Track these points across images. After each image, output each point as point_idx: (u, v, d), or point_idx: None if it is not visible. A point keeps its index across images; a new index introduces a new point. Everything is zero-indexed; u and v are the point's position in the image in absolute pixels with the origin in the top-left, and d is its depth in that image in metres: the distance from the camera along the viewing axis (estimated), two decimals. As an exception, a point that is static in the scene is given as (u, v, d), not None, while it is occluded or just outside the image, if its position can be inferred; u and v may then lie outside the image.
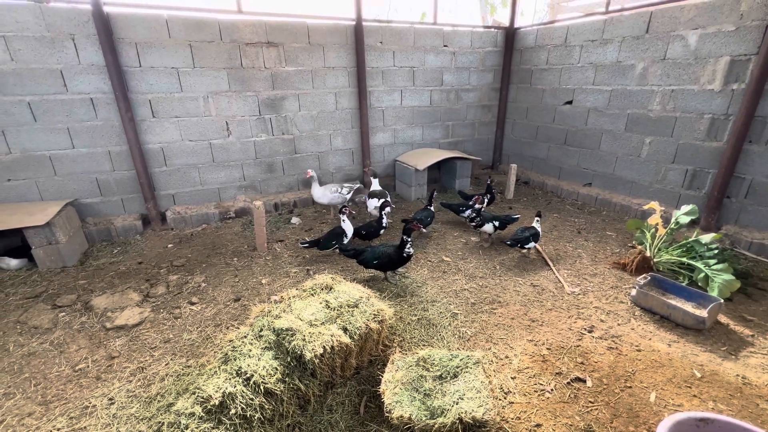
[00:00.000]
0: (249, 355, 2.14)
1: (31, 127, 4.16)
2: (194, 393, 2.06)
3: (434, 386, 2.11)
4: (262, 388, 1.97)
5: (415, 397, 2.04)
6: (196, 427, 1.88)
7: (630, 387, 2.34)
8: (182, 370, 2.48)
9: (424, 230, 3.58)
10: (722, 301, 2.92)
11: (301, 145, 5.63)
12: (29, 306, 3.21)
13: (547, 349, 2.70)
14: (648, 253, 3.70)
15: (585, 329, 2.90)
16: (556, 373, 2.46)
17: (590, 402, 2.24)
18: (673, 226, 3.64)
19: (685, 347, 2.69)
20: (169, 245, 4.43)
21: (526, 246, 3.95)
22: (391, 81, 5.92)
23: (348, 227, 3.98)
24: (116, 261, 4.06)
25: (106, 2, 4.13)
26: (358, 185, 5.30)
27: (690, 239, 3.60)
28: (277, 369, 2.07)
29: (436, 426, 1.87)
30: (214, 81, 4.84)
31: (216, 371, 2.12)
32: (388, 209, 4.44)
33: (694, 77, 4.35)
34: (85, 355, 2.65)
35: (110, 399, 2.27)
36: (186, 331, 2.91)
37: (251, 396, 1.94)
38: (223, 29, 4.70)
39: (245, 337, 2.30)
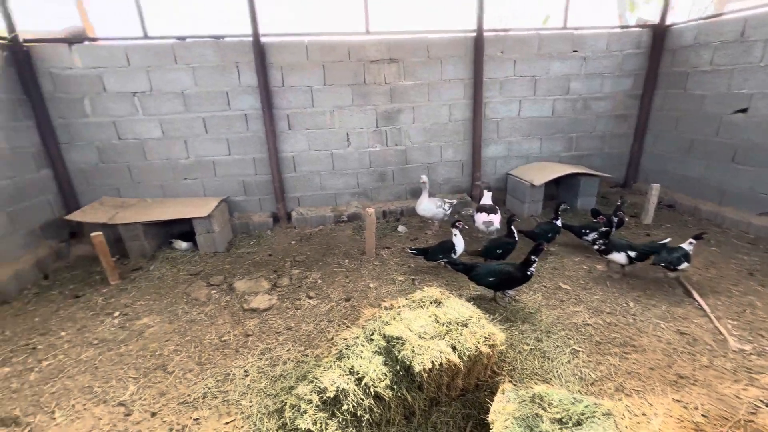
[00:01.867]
0: (361, 356, 2.25)
1: (203, 137, 5.20)
2: (312, 382, 2.26)
3: (552, 429, 1.89)
4: (372, 390, 2.04)
5: (529, 437, 1.86)
6: (313, 414, 2.05)
7: (841, 496, 1.73)
8: (301, 357, 2.75)
9: (545, 249, 3.31)
10: None
11: (412, 156, 5.79)
12: (192, 281, 3.98)
13: (702, 416, 2.18)
14: None
15: (761, 401, 2.25)
16: (717, 450, 1.97)
17: (772, 501, 1.72)
18: None
19: None
20: (293, 242, 5.01)
21: (679, 267, 3.36)
22: (509, 91, 5.66)
23: (459, 242, 3.86)
24: (252, 252, 4.76)
25: (263, 34, 4.92)
26: (455, 201, 5.13)
27: None
28: (386, 375, 2.12)
29: (555, 476, 1.67)
30: (340, 97, 5.32)
31: (331, 366, 2.28)
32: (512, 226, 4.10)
33: None
34: (228, 329, 3.16)
35: (245, 371, 2.64)
36: (304, 322, 3.22)
37: (362, 396, 2.03)
38: (351, 49, 5.15)
39: (357, 338, 2.43)
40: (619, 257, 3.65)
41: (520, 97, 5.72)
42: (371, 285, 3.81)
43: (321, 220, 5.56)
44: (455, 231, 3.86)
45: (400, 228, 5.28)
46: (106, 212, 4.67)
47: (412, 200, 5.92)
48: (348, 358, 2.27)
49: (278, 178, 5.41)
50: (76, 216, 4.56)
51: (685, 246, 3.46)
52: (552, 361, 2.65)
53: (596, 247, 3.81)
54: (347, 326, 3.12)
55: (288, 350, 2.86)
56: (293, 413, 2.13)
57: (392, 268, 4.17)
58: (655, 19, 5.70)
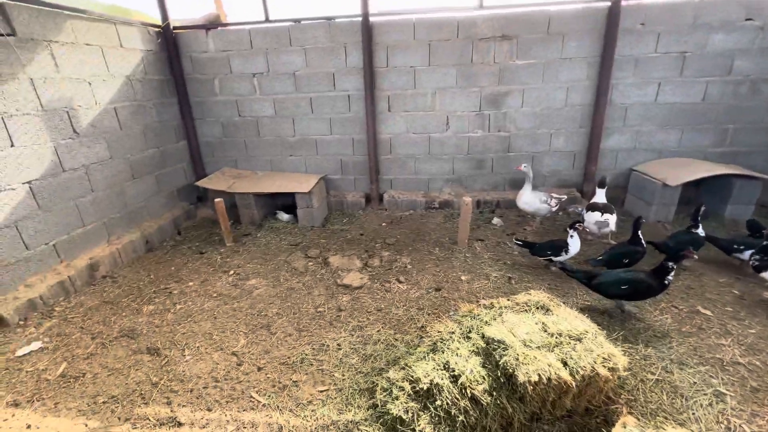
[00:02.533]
0: (457, 354, 2.13)
1: (309, 117, 5.48)
2: (404, 369, 2.23)
3: (694, 488, 1.55)
4: (468, 392, 1.92)
5: (660, 488, 1.55)
6: (405, 402, 2.01)
7: None
8: (391, 340, 2.75)
9: (695, 257, 2.77)
10: None
11: (516, 144, 5.31)
12: (292, 251, 4.29)
13: None
14: None
15: None
16: None
17: None
18: None
19: None
20: (383, 224, 5.05)
21: None
22: (646, 71, 4.76)
23: (575, 244, 3.46)
24: (345, 229, 4.93)
25: (372, 13, 4.89)
26: (564, 197, 4.56)
27: None
28: (484, 378, 1.97)
29: None
30: (443, 77, 5.08)
31: (424, 357, 2.21)
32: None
33: None
34: (323, 301, 3.31)
35: (338, 345, 2.74)
36: (394, 306, 3.22)
37: (457, 395, 1.92)
38: (461, 26, 4.83)
39: (453, 333, 2.32)
40: (742, 256, 2.95)
41: (660, 78, 4.77)
42: (463, 277, 3.63)
43: (412, 205, 5.50)
44: (572, 232, 3.45)
45: (495, 220, 4.94)
46: (226, 181, 5.28)
47: (510, 191, 5.48)
48: (443, 352, 2.18)
49: (374, 159, 5.47)
50: (203, 183, 5.24)
51: None
52: (687, 400, 2.19)
53: (751, 262, 3.05)
54: (437, 317, 3.02)
55: (378, 331, 2.88)
56: (385, 396, 2.12)
57: (486, 262, 3.92)
58: None
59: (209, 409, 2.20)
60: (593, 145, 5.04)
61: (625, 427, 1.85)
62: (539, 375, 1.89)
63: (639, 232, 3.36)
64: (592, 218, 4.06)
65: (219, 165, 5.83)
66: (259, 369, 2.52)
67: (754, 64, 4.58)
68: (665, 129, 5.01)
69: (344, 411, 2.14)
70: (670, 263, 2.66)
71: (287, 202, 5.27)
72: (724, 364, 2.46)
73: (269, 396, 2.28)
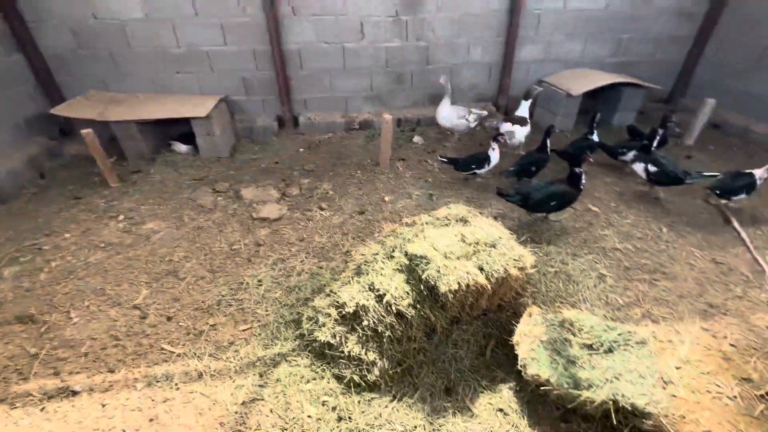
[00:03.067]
0: (381, 273, 2.11)
1: (193, 21, 4.42)
2: (329, 295, 2.17)
3: (581, 355, 1.83)
4: (393, 308, 1.94)
5: (555, 360, 1.81)
6: (332, 327, 1.99)
7: None
8: (315, 269, 2.65)
9: (591, 160, 3.08)
10: None
11: (435, 55, 5.03)
12: (196, 186, 3.76)
13: (731, 345, 2.12)
14: None
15: (794, 334, 2.18)
16: (743, 379, 1.94)
17: (795, 429, 1.72)
18: None
19: None
20: (300, 149, 4.65)
21: (734, 198, 3.19)
22: (559, -27, 4.64)
23: (495, 156, 3.59)
24: (257, 158, 4.44)
25: None
26: (485, 112, 4.59)
27: None
28: (408, 294, 2.00)
29: (581, 399, 1.63)
30: (354, -27, 4.38)
31: (349, 281, 2.17)
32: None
33: None
34: (238, 237, 3.03)
35: (259, 280, 2.57)
36: (317, 234, 3.08)
37: (383, 313, 1.94)
38: None
39: (376, 254, 2.27)
40: (637, 168, 3.48)
41: (570, -18, 4.71)
42: (386, 198, 3.58)
43: (330, 127, 5.10)
44: (494, 145, 3.56)
45: (416, 138, 4.86)
46: (95, 107, 4.22)
47: (430, 108, 5.35)
48: (367, 274, 2.14)
49: (283, 75, 4.78)
50: (61, 110, 4.12)
51: (759, 173, 3.13)
52: (577, 284, 2.54)
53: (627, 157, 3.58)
54: (362, 240, 2.98)
55: (301, 261, 2.76)
56: (311, 325, 2.08)
57: (408, 181, 3.90)
58: None
59: (111, 371, 1.95)
60: (508, 56, 5.00)
61: (531, 316, 2.08)
62: (458, 283, 1.97)
63: (548, 140, 3.55)
64: (503, 128, 4.18)
65: (83, 87, 4.60)
66: (169, 319, 2.27)
67: (651, -31, 4.72)
68: (572, 39, 5.13)
69: (270, 345, 2.07)
70: (578, 169, 2.86)
71: (184, 130, 4.48)
72: (606, 251, 2.87)
73: (184, 345, 2.09)
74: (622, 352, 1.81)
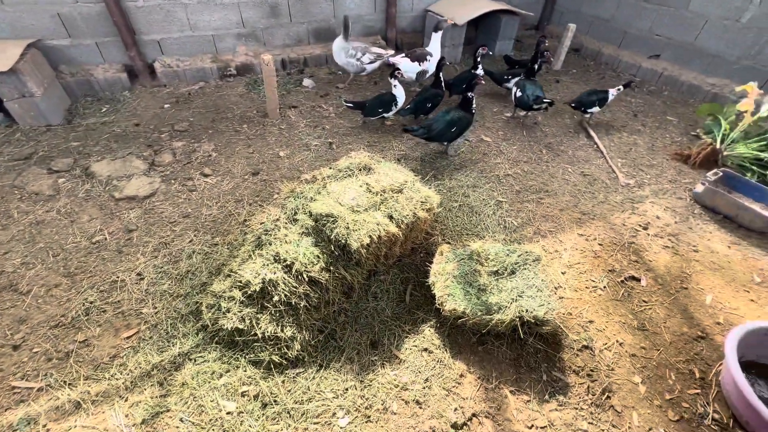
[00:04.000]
0: (286, 241, 1.90)
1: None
2: (230, 276, 1.90)
3: (489, 282, 1.96)
4: (305, 276, 1.78)
5: (468, 292, 1.90)
6: (239, 311, 1.76)
7: (686, 288, 2.24)
8: (209, 248, 2.30)
9: (482, 81, 3.30)
10: (799, 203, 2.64)
11: (312, -19, 4.40)
12: (22, 169, 2.85)
13: (599, 244, 2.51)
14: (718, 145, 3.24)
15: (640, 225, 2.67)
16: (609, 270, 2.33)
17: (644, 301, 2.15)
18: (763, 114, 3.08)
19: (746, 250, 2.51)
20: (166, 105, 3.83)
21: (589, 110, 3.67)
22: None
23: (400, 93, 3.40)
24: (108, 121, 3.53)
25: None
26: (386, 53, 4.20)
27: (780, 131, 3.10)
28: (319, 257, 1.85)
29: (494, 321, 1.76)
30: None
31: (251, 255, 1.91)
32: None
33: None
34: (99, 226, 2.43)
35: (138, 274, 2.13)
36: (205, 206, 2.64)
37: (294, 284, 1.77)
38: None
39: (277, 220, 2.03)
40: (511, 84, 3.90)
41: None
42: (281, 153, 3.22)
43: (200, 75, 4.27)
44: (394, 82, 3.36)
45: (306, 81, 4.39)
46: None
47: (317, 45, 4.83)
48: (270, 244, 1.91)
49: (117, 7, 3.69)
50: None
51: (612, 92, 3.61)
52: (479, 214, 2.68)
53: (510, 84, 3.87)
54: (261, 205, 2.66)
55: (190, 241, 2.36)
56: (213, 313, 1.81)
57: (303, 131, 3.55)
58: None
59: (-65, 436, 1.45)
60: (391, -19, 4.64)
61: (442, 254, 2.14)
62: (370, 236, 1.88)
63: (441, 74, 3.49)
64: (428, 68, 4.06)
65: None
66: (16, 348, 1.75)
67: None
68: (452, -38, 4.95)
69: (166, 347, 1.76)
70: (470, 93, 2.98)
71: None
72: (500, 178, 3.07)
73: (45, 375, 1.65)
74: (522, 272, 1.98)
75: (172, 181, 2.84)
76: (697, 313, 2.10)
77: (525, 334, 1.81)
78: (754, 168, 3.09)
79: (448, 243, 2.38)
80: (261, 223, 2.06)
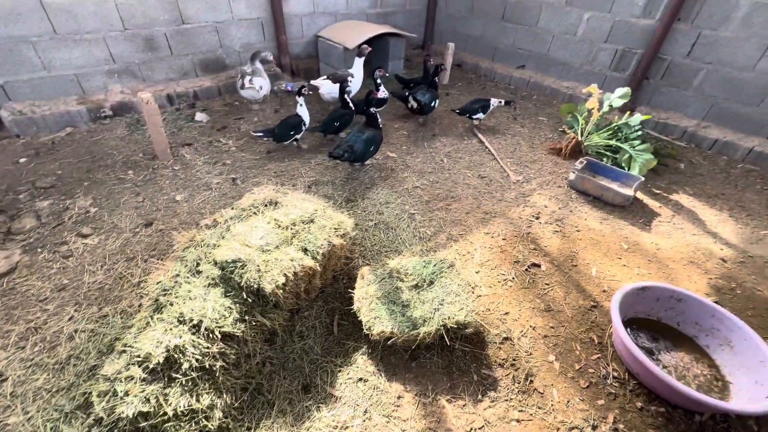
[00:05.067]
0: (189, 297, 1.71)
1: None
2: (124, 351, 1.64)
3: (411, 296, 2.01)
4: (218, 333, 1.62)
5: (393, 311, 1.92)
6: (140, 391, 1.52)
7: (575, 265, 2.57)
8: (96, 323, 1.96)
9: (378, 95, 3.60)
10: (642, 178, 3.24)
11: (190, 11, 4.17)
12: None
13: (503, 239, 2.76)
14: (579, 138, 3.85)
15: (533, 216, 3.01)
16: (514, 262, 2.57)
17: (546, 284, 2.41)
18: (605, 109, 3.74)
19: (613, 223, 2.99)
20: (21, 160, 3.23)
21: (474, 117, 4.12)
22: None
23: (304, 112, 3.46)
24: (-62, 187, 2.85)
25: None
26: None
27: (620, 122, 3.78)
28: (231, 309, 1.70)
29: (421, 335, 1.80)
30: None
31: (149, 322, 1.68)
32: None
33: (644, -61, 4.01)
34: (-67, 324, 1.91)
35: (-1, 375, 1.72)
36: (87, 273, 2.26)
37: (206, 344, 1.60)
38: None
39: (177, 275, 1.83)
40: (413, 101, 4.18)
41: (316, -73, 4.57)
42: (178, 197, 2.93)
43: (66, 120, 3.71)
44: (300, 100, 3.42)
45: (199, 116, 4.11)
46: None
47: (205, 77, 4.57)
48: (171, 305, 1.70)
49: (-65, 51, 3.04)
50: None
51: (493, 101, 4.10)
52: (395, 229, 2.76)
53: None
54: (160, 259, 2.37)
55: (71, 319, 1.99)
56: (108, 401, 1.54)
57: (201, 169, 3.29)
58: None
59: None
60: (276, 9, 4.63)
61: (363, 277, 2.13)
62: (285, 275, 1.80)
63: (345, 96, 3.59)
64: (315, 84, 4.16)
65: None
66: None
67: None
68: (334, -10, 5.14)
69: (48, 459, 1.44)
70: (372, 109, 3.22)
71: None
72: (409, 191, 3.21)
73: None
74: (440, 280, 2.08)
75: (39, 250, 2.38)
76: (588, 285, 2.43)
77: (451, 340, 1.89)
78: (608, 154, 3.72)
79: (368, 264, 2.40)
80: (158, 282, 1.83)
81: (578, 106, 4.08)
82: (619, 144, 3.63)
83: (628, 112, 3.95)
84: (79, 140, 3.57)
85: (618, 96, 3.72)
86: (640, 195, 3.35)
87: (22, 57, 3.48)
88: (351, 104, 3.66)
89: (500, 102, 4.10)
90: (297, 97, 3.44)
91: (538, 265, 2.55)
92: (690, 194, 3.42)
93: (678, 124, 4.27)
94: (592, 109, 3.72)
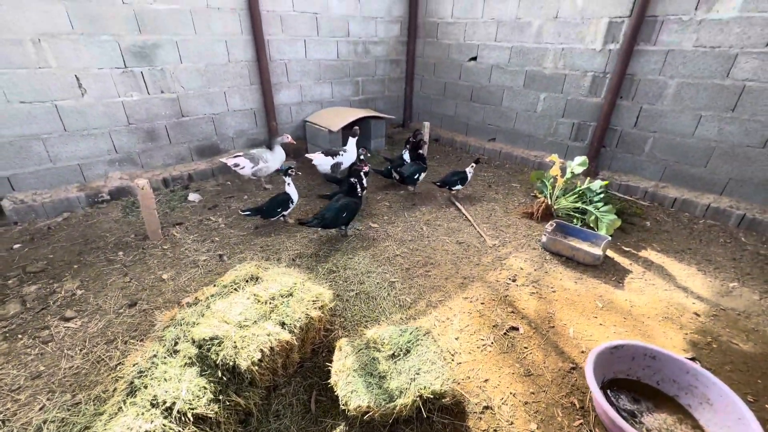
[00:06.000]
0: (165, 379, 1.73)
1: None
2: (93, 441, 1.61)
3: (388, 367, 2.02)
4: (190, 415, 1.61)
5: (370, 383, 1.93)
6: (105, 485, 1.47)
7: (553, 326, 2.62)
8: (68, 411, 1.92)
9: (366, 167, 3.86)
10: (610, 237, 3.43)
11: (189, 106, 4.67)
12: None
13: (481, 303, 2.83)
14: (549, 202, 4.12)
15: (509, 279, 3.12)
16: (493, 326, 2.61)
17: (525, 347, 2.44)
18: (569, 175, 4.08)
19: (587, 282, 3.10)
20: (15, 246, 3.36)
21: (453, 188, 4.42)
22: (293, 28, 5.19)
23: (293, 191, 3.72)
24: (-72, 277, 2.91)
25: None
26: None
27: (583, 187, 4.10)
28: (206, 388, 1.71)
29: (397, 408, 1.79)
30: (47, 17, 3.54)
31: (121, 407, 1.67)
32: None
33: (580, 36, 4.75)
34: None
35: (-44, 476, 1.64)
36: (65, 358, 2.26)
37: (178, 429, 1.58)
38: (47, -58, 3.38)
39: (155, 356, 1.86)
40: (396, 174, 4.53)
41: (304, 36, 5.34)
42: (165, 276, 3.02)
43: (64, 205, 3.92)
44: (288, 179, 3.69)
45: (192, 196, 4.36)
46: None
47: (200, 161, 4.94)
48: (146, 387, 1.71)
49: (-48, 151, 3.34)
50: None
51: (468, 170, 4.45)
52: (376, 299, 2.83)
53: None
54: (141, 340, 2.38)
55: (41, 408, 1.94)
56: (69, 499, 1.47)
57: (190, 247, 3.42)
58: (410, -32, 6.24)
59: None
60: (267, 101, 5.20)
61: (341, 349, 2.16)
62: (261, 351, 1.84)
63: (352, 180, 3.96)
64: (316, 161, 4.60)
65: None
66: None
67: (361, 28, 5.94)
68: (320, 83, 5.83)
69: None
70: (352, 179, 3.48)
71: None
72: (390, 259, 3.34)
73: None
74: (416, 349, 2.11)
75: (19, 336, 2.39)
76: (566, 346, 2.45)
77: (429, 412, 1.87)
78: (577, 215, 3.97)
79: (347, 335, 2.43)
80: (134, 364, 1.85)
81: (545, 173, 4.44)
82: (585, 206, 3.89)
83: (588, 178, 4.30)
84: (75, 224, 3.74)
85: (577, 164, 4.09)
86: (610, 253, 3.51)
87: (31, 152, 3.81)
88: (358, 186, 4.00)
89: (472, 166, 4.47)
90: (284, 177, 3.72)
91: (517, 328, 2.59)
92: (658, 250, 3.59)
93: (639, 185, 4.62)
94: (556, 176, 4.06)
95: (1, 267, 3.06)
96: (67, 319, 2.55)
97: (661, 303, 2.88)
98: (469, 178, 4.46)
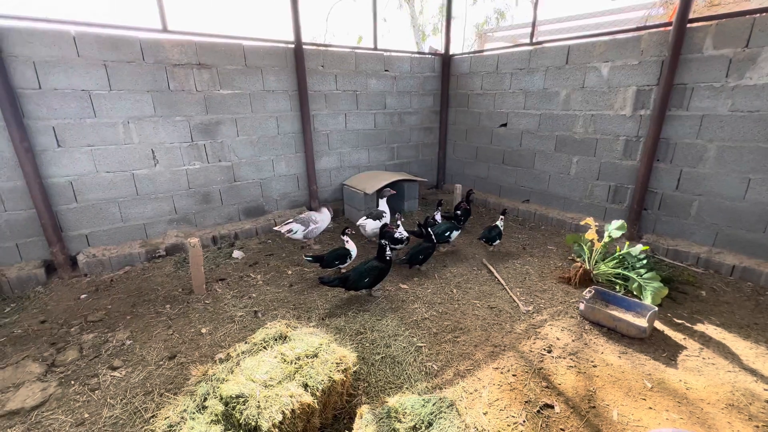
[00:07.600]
0: (191, 436, 1.79)
1: None
2: (119, 496, 1.67)
3: (409, 440, 1.95)
4: (209, 477, 1.64)
5: (389, 457, 1.86)
6: None
7: (594, 407, 2.39)
8: (102, 461, 2.02)
9: (392, 227, 4.10)
10: (656, 308, 3.18)
11: (241, 172, 5.24)
12: None
13: (513, 375, 2.68)
14: (587, 266, 3.96)
15: (544, 350, 2.95)
16: (525, 402, 2.44)
17: (561, 430, 2.23)
18: (606, 239, 3.94)
19: (633, 357, 2.84)
20: (82, 296, 3.76)
21: (493, 243, 4.57)
22: (335, 104, 5.83)
23: (353, 248, 4.03)
24: (9, 322, 3.32)
25: (-5, 14, 3.50)
26: (317, 225, 4.91)
27: (622, 251, 3.92)
28: (227, 449, 1.75)
29: (416, 488, 1.69)
30: (136, 105, 4.32)
31: (148, 462, 1.74)
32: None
33: (608, 103, 4.88)
34: (-40, 459, 2.05)
35: None
36: (107, 406, 2.41)
37: (196, 490, 1.61)
38: (146, 48, 4.25)
39: (185, 411, 1.95)
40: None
41: (345, 110, 5.96)
42: (203, 330, 3.20)
43: (127, 260, 4.39)
44: (346, 238, 3.99)
45: (236, 253, 4.70)
46: None
47: (246, 221, 5.38)
48: (173, 443, 1.78)
49: (48, 212, 3.96)
50: None
51: (498, 223, 4.56)
52: (401, 364, 2.78)
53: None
54: (175, 393, 2.50)
55: (80, 457, 2.06)
56: None
57: (229, 303, 3.63)
58: (441, 50, 6.92)
59: None
60: (310, 167, 5.70)
61: (362, 418, 2.12)
62: (283, 412, 1.87)
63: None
64: (360, 223, 4.83)
65: None
66: None
67: (396, 101, 6.52)
68: (357, 150, 6.33)
69: None
70: (383, 241, 3.56)
71: None
72: (418, 323, 3.31)
73: None
74: (439, 422, 2.02)
75: (72, 382, 2.61)
76: (609, 431, 2.22)
77: (451, 496, 1.74)
78: (620, 282, 3.75)
79: (370, 402, 2.38)
80: (166, 418, 1.94)
81: (581, 237, 4.32)
82: (626, 272, 3.69)
83: (627, 242, 4.11)
84: (133, 277, 4.15)
85: (615, 228, 3.96)
86: (659, 325, 3.23)
87: (108, 213, 4.41)
88: (432, 235, 4.23)
89: (501, 219, 4.59)
90: (342, 236, 4.03)
91: (552, 406, 2.40)
92: (717, 324, 3.25)
93: (689, 251, 4.32)
94: (592, 240, 3.94)
95: (68, 315, 3.42)
96: (114, 368, 2.75)
97: (724, 387, 2.55)
98: (501, 229, 4.55)
